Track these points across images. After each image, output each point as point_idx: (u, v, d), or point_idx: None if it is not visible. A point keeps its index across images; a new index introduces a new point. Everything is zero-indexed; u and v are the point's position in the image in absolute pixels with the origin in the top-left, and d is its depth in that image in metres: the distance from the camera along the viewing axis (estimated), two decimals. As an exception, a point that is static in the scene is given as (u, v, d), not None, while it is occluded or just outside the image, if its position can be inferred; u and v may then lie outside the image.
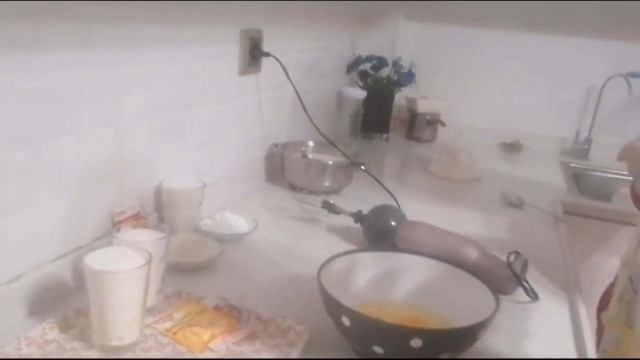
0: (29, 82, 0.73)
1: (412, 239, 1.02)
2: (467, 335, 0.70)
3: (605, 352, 0.78)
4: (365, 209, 1.11)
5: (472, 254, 0.96)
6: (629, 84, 1.89)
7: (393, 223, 1.06)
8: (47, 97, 0.76)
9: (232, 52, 1.20)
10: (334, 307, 0.72)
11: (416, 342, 0.66)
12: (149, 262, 0.71)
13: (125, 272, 0.69)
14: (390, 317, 0.73)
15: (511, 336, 0.83)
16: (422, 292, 0.83)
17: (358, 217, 1.11)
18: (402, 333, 0.67)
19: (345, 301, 0.72)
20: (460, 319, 0.74)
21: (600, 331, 0.85)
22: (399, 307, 0.82)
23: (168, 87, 1.01)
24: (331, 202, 1.17)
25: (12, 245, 0.75)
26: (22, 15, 0.70)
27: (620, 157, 0.89)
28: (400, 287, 0.85)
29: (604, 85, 1.96)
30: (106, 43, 0.84)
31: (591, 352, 0.81)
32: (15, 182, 0.73)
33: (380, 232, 1.07)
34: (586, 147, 2.04)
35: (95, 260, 0.69)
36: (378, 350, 0.69)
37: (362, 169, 1.35)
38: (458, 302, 0.80)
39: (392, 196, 1.27)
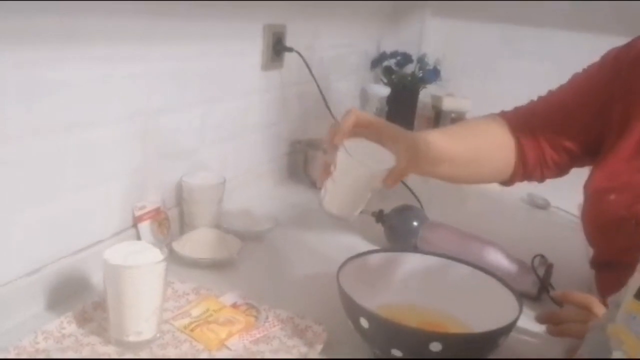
0: (60, 75, 0.73)
1: (433, 240, 1.01)
2: (488, 340, 0.68)
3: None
4: (387, 209, 1.10)
5: (494, 257, 0.95)
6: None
7: (415, 224, 1.05)
8: (75, 90, 0.76)
9: (255, 47, 1.19)
10: (352, 309, 0.71)
11: (435, 347, 0.64)
12: (168, 257, 0.71)
13: (144, 266, 0.69)
14: (410, 319, 0.72)
15: (535, 340, 0.81)
16: (444, 295, 0.81)
17: (379, 217, 1.09)
18: (421, 337, 0.66)
19: (365, 303, 0.71)
20: (482, 324, 0.73)
21: None
22: (420, 309, 0.80)
23: (192, 82, 1.01)
24: None
25: (32, 237, 0.75)
26: (53, 8, 0.70)
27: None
28: (421, 289, 0.83)
29: None
30: (135, 38, 0.85)
31: None
32: (38, 174, 0.74)
33: (401, 232, 1.05)
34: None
35: (114, 255, 0.69)
36: (397, 353, 0.67)
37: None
38: (480, 306, 0.78)
39: (415, 196, 1.25)
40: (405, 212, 1.08)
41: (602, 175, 0.89)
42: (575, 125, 0.94)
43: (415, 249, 1.00)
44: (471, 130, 0.98)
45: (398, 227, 1.06)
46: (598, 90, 0.92)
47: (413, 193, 1.26)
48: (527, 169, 0.98)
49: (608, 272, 0.90)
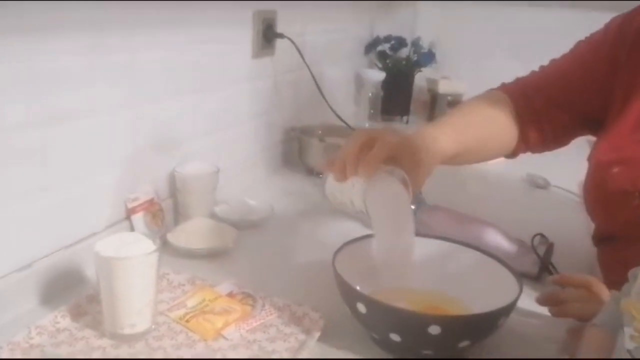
0: (43, 66, 0.72)
1: (431, 224, 0.99)
2: (487, 321, 0.67)
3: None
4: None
5: (493, 238, 0.93)
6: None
7: (412, 207, 1.03)
8: (61, 81, 0.75)
9: (245, 34, 1.18)
10: (349, 294, 0.70)
11: (434, 329, 0.63)
12: (160, 248, 0.70)
13: (136, 258, 0.68)
14: (409, 303, 0.71)
15: (537, 321, 0.80)
16: (442, 278, 0.80)
17: None
18: (419, 320, 0.65)
19: (362, 287, 0.70)
20: (483, 305, 0.72)
21: None
22: (419, 292, 0.79)
23: (181, 70, 0.99)
24: None
25: (24, 231, 0.74)
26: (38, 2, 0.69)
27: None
28: (419, 272, 0.82)
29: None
30: (118, 27, 0.83)
31: None
32: (28, 167, 0.73)
33: None
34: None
35: (105, 247, 0.68)
36: (395, 337, 0.66)
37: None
38: (480, 288, 0.77)
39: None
40: None
41: (606, 147, 0.87)
42: (578, 101, 0.93)
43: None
44: (479, 122, 0.96)
45: None
46: (601, 61, 0.90)
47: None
48: (528, 146, 0.99)
49: (610, 247, 0.89)
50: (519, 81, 1.01)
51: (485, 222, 0.98)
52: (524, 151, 1.01)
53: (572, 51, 0.98)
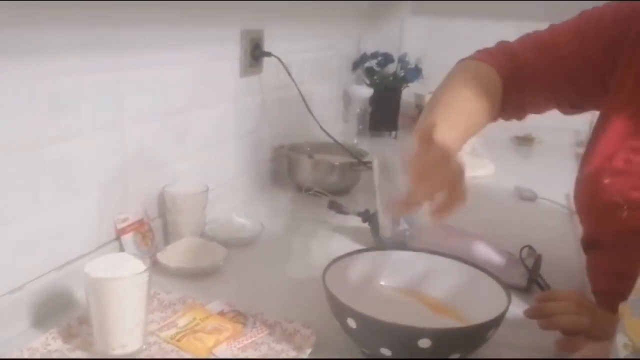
0: (29, 89, 0.72)
1: (421, 238, 1.00)
2: (477, 333, 0.67)
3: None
4: (374, 208, 1.09)
5: (483, 251, 0.94)
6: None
7: (402, 221, 1.04)
8: (48, 103, 0.75)
9: (233, 53, 1.19)
10: (339, 309, 0.70)
11: (424, 343, 0.64)
12: (150, 268, 0.70)
13: (126, 278, 0.68)
14: (400, 317, 0.72)
15: (527, 332, 0.80)
16: (430, 291, 0.81)
17: (365, 216, 1.09)
18: (409, 334, 0.65)
19: (353, 303, 0.71)
20: (472, 318, 0.73)
21: None
22: (409, 305, 0.80)
23: (169, 90, 1.00)
24: (338, 202, 1.15)
25: (14, 254, 0.74)
26: (25, 22, 0.70)
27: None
28: (410, 286, 0.83)
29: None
30: (106, 47, 0.84)
31: None
32: (17, 190, 0.73)
33: None
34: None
35: (95, 268, 0.68)
36: (386, 352, 0.67)
37: (369, 168, 1.33)
38: (470, 300, 0.78)
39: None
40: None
41: (598, 155, 0.87)
42: (568, 88, 0.92)
43: (403, 247, 0.99)
44: (471, 109, 0.89)
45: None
46: (601, 51, 0.87)
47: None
48: (503, 116, 0.98)
49: (598, 253, 0.89)
50: (507, 52, 0.96)
51: (474, 236, 0.98)
52: (496, 119, 0.98)
53: (575, 28, 0.92)
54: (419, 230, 1.02)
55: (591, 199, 0.87)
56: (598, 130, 0.90)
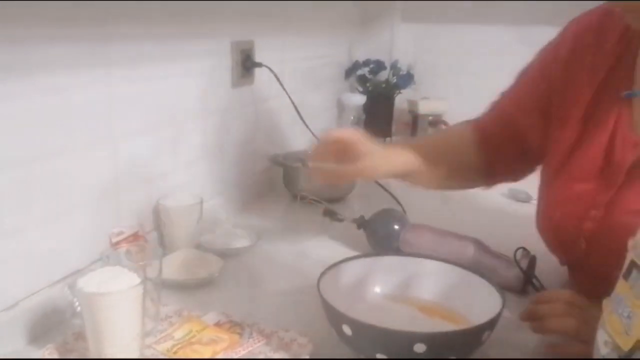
0: (19, 106, 0.73)
1: (415, 242, 1.01)
2: (472, 336, 0.68)
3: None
4: (369, 214, 1.10)
5: (477, 254, 0.95)
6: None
7: (396, 227, 1.04)
8: (39, 120, 0.76)
9: (224, 65, 1.19)
10: (334, 316, 0.70)
11: (420, 347, 0.64)
12: (144, 281, 0.70)
13: (119, 292, 0.68)
14: (395, 322, 0.72)
15: (523, 335, 0.81)
16: (426, 295, 0.82)
17: (360, 222, 1.09)
18: (404, 339, 0.65)
19: (348, 309, 0.71)
20: (468, 320, 0.73)
21: None
22: (404, 310, 0.80)
23: (161, 103, 1.01)
24: (333, 209, 1.15)
25: (8, 271, 0.74)
26: (10, 40, 0.70)
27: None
28: (403, 290, 0.83)
29: (606, 74, 1.93)
30: (98, 62, 0.84)
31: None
32: (10, 206, 0.73)
33: (383, 237, 1.05)
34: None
35: (88, 283, 0.68)
36: (382, 357, 0.67)
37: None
38: (465, 303, 0.78)
39: (396, 199, 1.25)
40: (385, 216, 1.08)
41: (546, 190, 0.90)
42: (527, 135, 0.94)
43: (397, 252, 1.00)
44: (440, 148, 0.99)
45: (379, 232, 1.06)
46: (545, 79, 0.91)
47: (394, 196, 1.26)
48: (495, 180, 1.03)
49: (571, 271, 0.91)
50: (485, 116, 1.02)
51: (468, 238, 0.99)
52: (491, 185, 1.03)
53: (532, 64, 0.99)
54: (412, 234, 1.03)
55: (548, 234, 0.89)
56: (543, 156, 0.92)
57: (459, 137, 1.01)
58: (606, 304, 0.51)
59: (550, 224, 0.87)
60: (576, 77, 0.84)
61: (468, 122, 1.04)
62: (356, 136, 0.86)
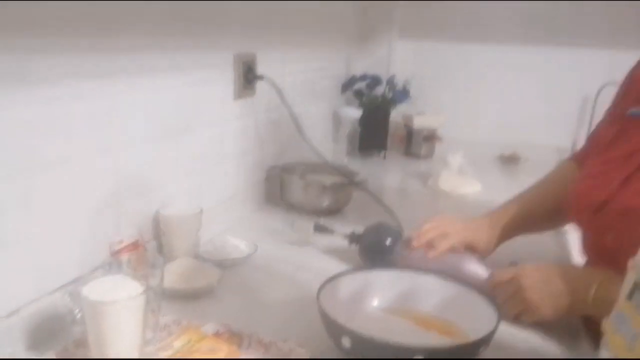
0: (21, 115, 0.73)
1: (409, 256, 1.01)
2: (469, 351, 0.69)
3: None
4: (362, 229, 1.10)
5: (471, 267, 0.96)
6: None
7: (388, 241, 1.04)
8: (41, 129, 0.76)
9: (226, 76, 1.21)
10: (334, 328, 0.71)
11: (418, 361, 0.65)
12: (146, 290, 0.71)
13: (123, 301, 0.68)
14: (393, 335, 0.73)
15: (519, 347, 0.82)
16: (424, 309, 0.83)
17: (352, 238, 1.09)
18: (402, 352, 0.66)
19: (347, 322, 0.72)
20: (464, 334, 0.74)
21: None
22: (402, 324, 0.81)
23: (163, 114, 1.02)
24: (323, 224, 1.16)
25: (9, 278, 0.74)
26: (12, 49, 0.71)
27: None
28: (401, 303, 0.84)
29: (598, 93, 1.97)
30: (101, 73, 0.85)
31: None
32: (11, 215, 0.74)
33: (375, 251, 1.04)
34: (584, 156, 2.04)
35: (92, 291, 0.69)
36: (380, 370, 0.68)
37: (360, 188, 1.35)
38: (461, 318, 0.79)
39: (390, 213, 1.27)
40: (378, 230, 1.07)
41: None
42: None
43: (390, 266, 1.00)
44: (549, 202, 1.07)
45: (371, 247, 1.06)
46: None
47: (389, 210, 1.28)
48: None
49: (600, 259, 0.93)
50: (584, 146, 1.11)
51: (462, 252, 1.00)
52: None
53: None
54: (405, 248, 1.03)
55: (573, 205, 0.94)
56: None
57: (561, 175, 1.09)
58: (606, 324, 0.52)
59: (574, 194, 0.93)
60: None
61: (567, 158, 1.12)
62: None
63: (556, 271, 0.84)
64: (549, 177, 1.12)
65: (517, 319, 0.85)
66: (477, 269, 0.95)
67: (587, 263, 0.97)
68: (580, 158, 1.08)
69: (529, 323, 0.85)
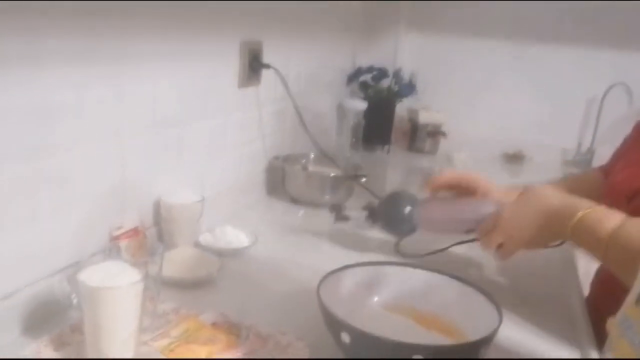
0: (29, 99, 0.72)
1: (431, 218, 0.98)
2: (469, 351, 0.68)
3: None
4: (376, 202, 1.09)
5: (492, 209, 0.92)
6: (629, 94, 1.89)
7: (408, 208, 1.00)
8: (47, 114, 0.75)
9: (232, 64, 1.20)
10: (333, 323, 0.70)
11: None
12: (145, 278, 0.70)
13: (121, 287, 0.68)
14: (393, 332, 0.72)
15: (520, 347, 0.81)
16: (425, 306, 0.82)
17: (370, 211, 1.06)
18: (402, 350, 0.66)
19: (347, 317, 0.71)
20: (465, 334, 0.73)
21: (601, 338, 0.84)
22: (402, 321, 0.81)
23: (168, 101, 1.01)
24: (340, 205, 1.15)
25: (6, 261, 0.73)
26: (23, 31, 0.69)
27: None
28: (402, 300, 0.84)
29: (604, 95, 1.95)
30: (106, 59, 0.84)
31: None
32: (14, 197, 0.73)
33: (398, 220, 1.01)
34: (588, 157, 2.03)
35: (90, 276, 0.68)
36: (379, 367, 0.67)
37: (360, 182, 1.34)
38: (462, 317, 0.79)
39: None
40: (395, 199, 1.04)
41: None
42: None
43: (394, 262, 0.99)
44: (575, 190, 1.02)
45: (393, 216, 1.02)
46: None
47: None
48: None
49: None
50: (610, 159, 1.11)
51: (482, 200, 0.97)
52: None
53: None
54: (426, 211, 1.00)
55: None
56: None
57: (592, 180, 1.08)
58: (611, 324, 0.51)
59: (611, 182, 0.98)
60: None
61: (593, 168, 1.15)
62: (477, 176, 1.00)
63: (538, 200, 0.85)
64: (574, 176, 1.14)
65: (498, 251, 0.89)
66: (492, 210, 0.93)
67: None
68: (607, 169, 1.07)
69: (506, 256, 0.89)
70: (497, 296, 0.78)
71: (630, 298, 0.49)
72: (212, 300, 0.88)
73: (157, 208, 1.01)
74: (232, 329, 0.79)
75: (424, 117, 2.02)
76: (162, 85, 0.98)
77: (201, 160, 1.14)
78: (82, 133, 0.82)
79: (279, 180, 1.39)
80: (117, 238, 0.90)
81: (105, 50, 0.83)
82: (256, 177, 1.38)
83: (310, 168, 1.41)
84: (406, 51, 2.20)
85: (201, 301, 0.87)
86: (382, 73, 1.96)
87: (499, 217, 0.88)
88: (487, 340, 0.68)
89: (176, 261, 0.94)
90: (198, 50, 1.06)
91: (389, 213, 1.04)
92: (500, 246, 0.89)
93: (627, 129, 1.09)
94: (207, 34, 1.09)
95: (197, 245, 1.03)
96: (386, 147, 2.01)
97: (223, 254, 1.00)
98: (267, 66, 1.26)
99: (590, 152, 2.02)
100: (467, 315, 0.77)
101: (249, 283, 0.96)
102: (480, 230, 0.91)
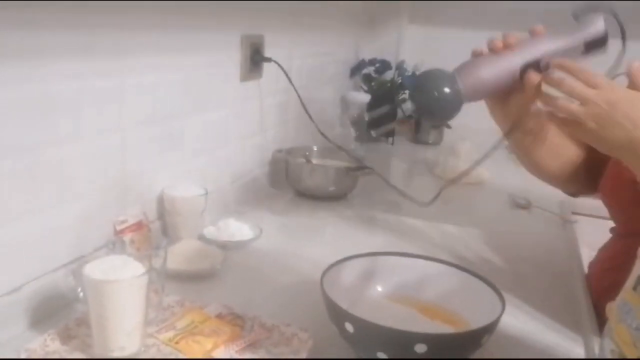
0: (30, 91, 0.73)
1: (477, 81, 0.87)
2: (472, 339, 0.68)
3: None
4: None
5: (546, 46, 0.86)
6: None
7: (447, 89, 0.87)
8: (48, 106, 0.76)
9: (233, 58, 1.20)
10: (337, 314, 0.71)
11: (420, 348, 0.65)
12: (149, 271, 0.70)
13: (125, 280, 0.68)
14: (397, 322, 0.72)
15: (522, 336, 0.82)
16: (428, 296, 0.82)
17: (410, 91, 0.93)
18: (406, 339, 0.66)
19: (350, 307, 0.71)
20: (468, 323, 0.73)
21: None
22: (406, 310, 0.81)
23: (169, 94, 1.01)
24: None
25: (12, 255, 0.74)
26: (23, 25, 0.70)
27: None
28: (405, 290, 0.84)
29: (610, 84, 1.94)
30: (107, 51, 0.84)
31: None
32: (17, 191, 0.73)
33: (439, 100, 0.87)
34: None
35: (94, 270, 0.68)
36: (382, 356, 0.68)
37: (367, 173, 1.34)
38: (465, 306, 0.79)
39: (402, 194, 1.23)
40: (430, 82, 0.89)
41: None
42: None
43: (397, 253, 0.97)
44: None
45: (433, 96, 0.87)
46: None
47: (399, 190, 1.24)
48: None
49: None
50: None
51: (525, 40, 0.88)
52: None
53: None
54: (468, 78, 0.88)
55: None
56: None
57: None
58: (610, 309, 0.51)
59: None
60: None
61: None
62: None
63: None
64: None
65: (557, 123, 0.77)
66: (554, 41, 0.86)
67: (617, 237, 0.97)
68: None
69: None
70: (498, 283, 0.78)
71: (629, 284, 0.50)
72: (216, 292, 0.89)
73: (161, 202, 1.02)
74: (237, 321, 0.79)
75: (427, 109, 2.01)
76: (164, 78, 0.98)
77: (204, 153, 1.14)
78: (83, 127, 0.82)
79: (282, 173, 1.39)
80: (121, 232, 0.91)
81: (107, 43, 0.84)
82: (260, 169, 1.38)
83: (314, 161, 1.41)
84: (409, 43, 2.19)
85: (205, 293, 0.87)
86: (385, 65, 1.96)
87: (612, 87, 0.75)
88: (490, 328, 0.69)
89: (180, 254, 0.94)
90: (199, 44, 1.07)
91: (428, 94, 0.88)
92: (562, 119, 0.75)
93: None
94: (208, 28, 1.09)
95: (201, 238, 1.03)
96: (390, 139, 2.01)
97: (227, 247, 1.00)
98: (269, 59, 1.27)
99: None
100: (469, 304, 0.77)
101: (253, 275, 0.97)
102: (564, 86, 0.77)
